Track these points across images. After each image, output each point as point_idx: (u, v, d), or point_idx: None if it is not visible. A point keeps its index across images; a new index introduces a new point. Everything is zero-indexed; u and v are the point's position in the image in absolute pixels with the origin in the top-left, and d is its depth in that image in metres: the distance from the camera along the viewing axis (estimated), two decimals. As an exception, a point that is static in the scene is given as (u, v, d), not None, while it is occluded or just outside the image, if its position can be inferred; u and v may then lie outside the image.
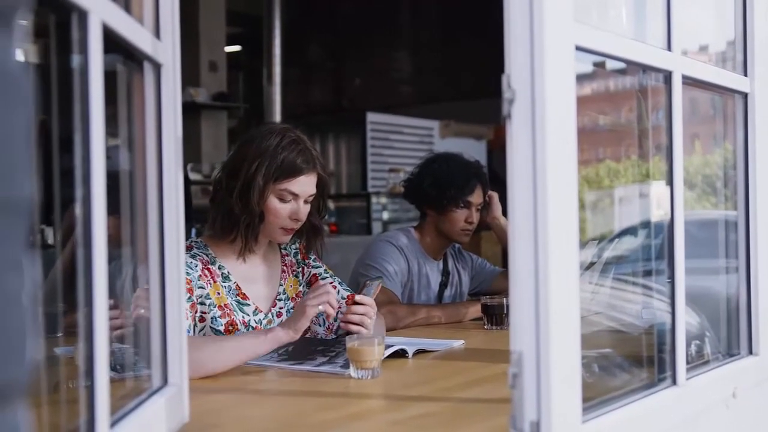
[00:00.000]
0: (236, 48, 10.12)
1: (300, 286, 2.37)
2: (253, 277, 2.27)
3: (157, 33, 1.34)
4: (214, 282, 2.17)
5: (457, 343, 2.32)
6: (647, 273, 2.00)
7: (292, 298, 2.33)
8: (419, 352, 2.15)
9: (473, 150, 6.88)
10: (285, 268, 2.35)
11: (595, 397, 1.32)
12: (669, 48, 1.51)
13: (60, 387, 1.20)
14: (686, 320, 1.56)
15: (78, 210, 1.00)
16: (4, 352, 0.57)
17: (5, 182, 0.58)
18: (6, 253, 0.57)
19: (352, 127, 8.13)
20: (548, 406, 1.15)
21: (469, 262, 3.21)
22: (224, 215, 2.18)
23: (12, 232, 0.58)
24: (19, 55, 0.61)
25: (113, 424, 1.07)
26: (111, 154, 1.09)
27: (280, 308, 2.30)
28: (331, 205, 7.60)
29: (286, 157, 2.15)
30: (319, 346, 2.11)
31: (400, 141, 8.08)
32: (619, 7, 1.77)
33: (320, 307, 1.98)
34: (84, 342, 0.99)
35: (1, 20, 0.58)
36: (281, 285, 2.32)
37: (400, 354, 2.09)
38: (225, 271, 2.21)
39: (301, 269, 2.39)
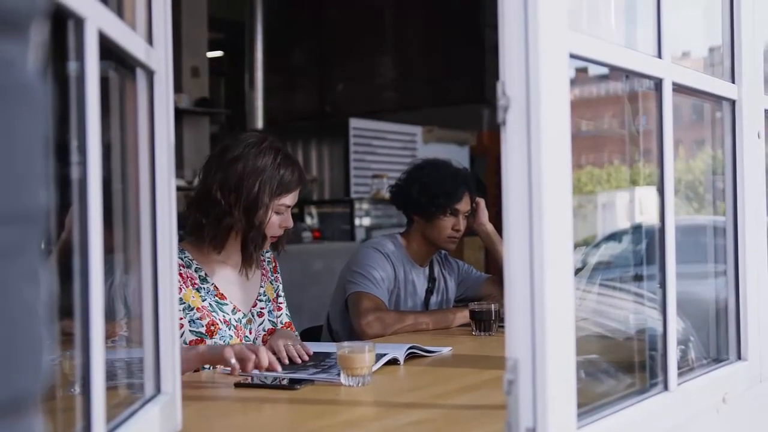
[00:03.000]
0: (218, 53, 10.09)
1: (274, 292, 2.46)
2: (233, 279, 2.33)
3: (149, 40, 1.33)
4: (188, 287, 2.22)
5: (446, 350, 2.32)
6: (634, 278, 2.01)
7: (272, 300, 2.43)
8: (411, 356, 2.16)
9: (456, 156, 6.87)
10: (264, 271, 2.44)
11: (589, 403, 1.33)
12: (659, 55, 1.52)
13: (55, 395, 1.19)
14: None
15: (74, 217, 0.99)
16: (22, 362, 0.57)
17: (22, 192, 0.58)
18: (23, 263, 0.57)
19: (335, 132, 8.12)
20: (544, 413, 1.15)
21: (456, 269, 3.21)
22: (223, 230, 2.23)
23: (29, 242, 0.57)
24: (35, 64, 0.61)
25: (108, 433, 1.06)
26: (103, 161, 1.08)
27: (261, 308, 2.38)
28: (314, 211, 7.58)
29: (285, 174, 2.25)
30: (311, 361, 2.10)
31: (384, 147, 8.07)
32: (609, 14, 1.78)
33: (233, 361, 1.90)
34: (81, 351, 0.98)
35: (16, 30, 0.58)
36: (262, 287, 2.41)
37: (391, 361, 2.08)
38: (202, 274, 2.26)
39: (275, 277, 2.49)
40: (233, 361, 1.90)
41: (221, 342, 2.20)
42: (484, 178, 7.55)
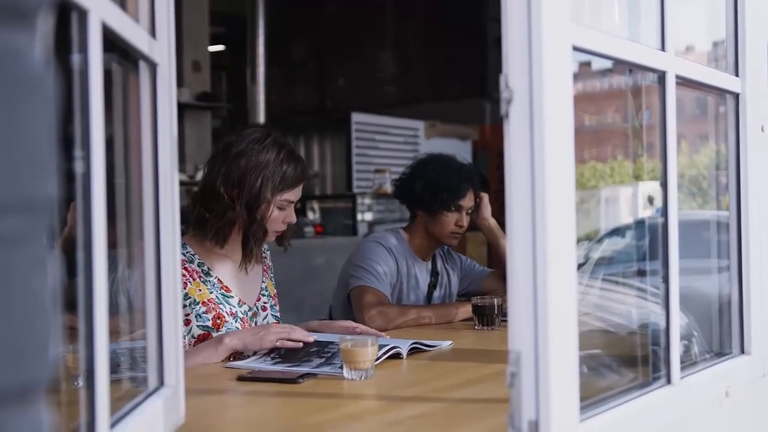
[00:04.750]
0: (220, 47, 10.09)
1: (274, 288, 2.49)
2: (235, 273, 2.35)
3: (152, 32, 1.33)
4: (194, 280, 2.24)
5: (446, 344, 2.32)
6: (637, 273, 2.01)
7: (273, 295, 2.46)
8: (413, 351, 2.16)
9: (458, 150, 6.87)
10: (265, 267, 2.47)
11: (591, 396, 1.33)
12: (663, 48, 1.52)
13: (59, 388, 1.20)
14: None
15: (78, 211, 0.99)
16: (30, 351, 0.57)
17: (30, 181, 0.58)
18: (31, 252, 0.57)
19: (337, 127, 8.12)
20: (547, 405, 1.15)
21: (458, 263, 3.21)
22: (226, 225, 2.25)
23: (36, 232, 0.58)
24: (43, 54, 0.61)
25: (112, 425, 1.07)
26: (105, 154, 1.08)
27: (264, 303, 2.41)
28: (316, 206, 7.58)
29: (288, 170, 2.27)
30: (313, 348, 2.10)
31: (386, 141, 8.07)
32: (612, 7, 1.78)
33: (278, 343, 2.08)
34: (84, 344, 0.98)
35: (23, 20, 0.58)
36: (263, 282, 2.43)
37: (393, 355, 2.08)
38: (205, 268, 2.28)
39: (272, 276, 2.51)
40: (278, 343, 2.08)
41: None
42: (486, 173, 7.55)
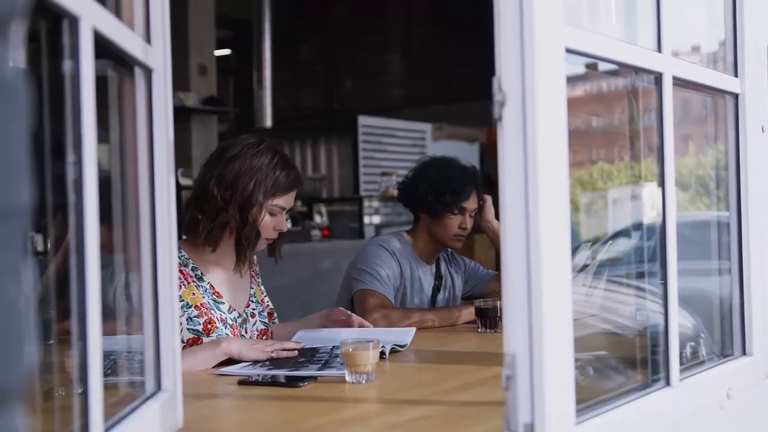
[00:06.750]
0: (226, 51, 10.10)
1: (262, 294, 2.50)
2: (226, 279, 2.36)
3: (147, 38, 1.34)
4: (188, 284, 2.25)
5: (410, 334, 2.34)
6: (641, 275, 2.00)
7: (260, 302, 2.46)
8: (393, 352, 2.18)
9: (465, 153, 6.88)
10: (253, 274, 2.48)
11: (589, 399, 1.32)
12: (659, 49, 1.51)
13: (54, 394, 1.20)
14: (681, 322, 1.56)
15: (70, 217, 1.00)
16: (4, 357, 0.58)
17: (4, 189, 0.58)
18: (5, 258, 0.58)
19: (344, 130, 8.10)
20: (542, 408, 1.15)
21: (462, 266, 3.21)
22: (218, 227, 2.26)
23: (11, 238, 0.58)
24: (16, 62, 0.61)
25: (107, 429, 1.07)
26: (101, 160, 1.08)
27: (253, 309, 2.42)
28: (323, 209, 7.57)
29: (280, 175, 2.28)
30: (300, 358, 2.11)
31: (393, 144, 8.06)
32: (609, 9, 1.78)
33: (273, 354, 2.12)
34: (77, 349, 0.99)
35: (-2, 27, 0.58)
36: (252, 288, 2.45)
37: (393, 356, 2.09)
38: (198, 273, 2.30)
39: (260, 280, 2.52)
40: (274, 354, 2.11)
41: None
42: (494, 175, 7.51)
